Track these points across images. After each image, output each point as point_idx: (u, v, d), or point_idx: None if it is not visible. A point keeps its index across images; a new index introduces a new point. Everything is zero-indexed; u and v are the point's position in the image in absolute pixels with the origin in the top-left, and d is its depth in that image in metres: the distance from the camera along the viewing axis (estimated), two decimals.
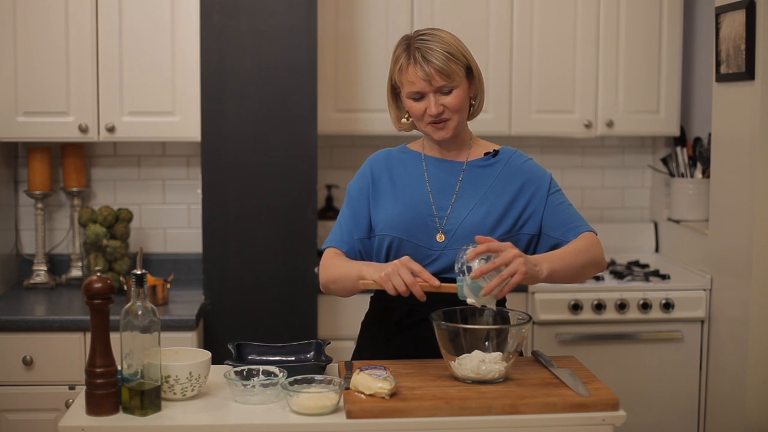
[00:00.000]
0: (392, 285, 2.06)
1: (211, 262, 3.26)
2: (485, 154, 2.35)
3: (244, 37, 3.20)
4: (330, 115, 3.60)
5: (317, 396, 1.91)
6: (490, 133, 3.69)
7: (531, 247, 2.31)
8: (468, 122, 2.37)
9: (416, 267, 2.09)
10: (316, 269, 3.29)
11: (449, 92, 2.23)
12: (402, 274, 2.06)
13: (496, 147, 2.38)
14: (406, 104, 2.28)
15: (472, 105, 2.34)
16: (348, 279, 2.21)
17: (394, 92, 2.33)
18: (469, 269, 2.05)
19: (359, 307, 2.53)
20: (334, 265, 2.28)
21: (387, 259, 2.29)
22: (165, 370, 1.96)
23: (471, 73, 2.29)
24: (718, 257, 3.36)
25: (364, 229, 2.33)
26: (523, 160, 2.37)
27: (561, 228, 2.29)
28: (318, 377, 1.99)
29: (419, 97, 2.24)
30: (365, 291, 2.31)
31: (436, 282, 2.08)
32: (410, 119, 2.33)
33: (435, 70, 2.20)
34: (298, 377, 1.98)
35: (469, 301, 2.06)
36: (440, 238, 2.26)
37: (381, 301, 2.37)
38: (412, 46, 2.24)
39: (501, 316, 2.16)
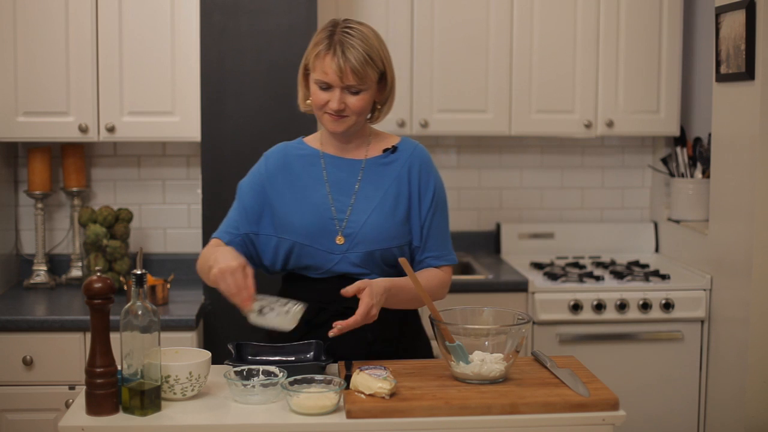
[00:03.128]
0: (222, 287, 2.08)
1: None
2: (384, 150, 2.34)
3: (244, 37, 3.20)
4: None
5: (317, 396, 1.91)
6: (490, 133, 3.70)
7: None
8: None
9: (240, 280, 2.06)
10: None
11: (356, 93, 2.22)
12: (228, 281, 2.06)
13: (395, 142, 2.36)
14: (312, 89, 2.26)
15: (378, 109, 2.33)
16: (207, 267, 2.19)
17: (306, 72, 2.30)
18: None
19: None
20: (206, 253, 2.28)
21: (285, 262, 2.29)
22: (165, 370, 1.96)
23: (384, 78, 2.28)
24: (718, 257, 3.36)
25: (254, 223, 2.30)
26: (422, 158, 2.34)
27: (431, 251, 2.32)
28: (318, 377, 1.99)
29: (326, 87, 2.22)
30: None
31: (249, 304, 2.08)
32: None
33: (350, 69, 2.18)
34: (298, 377, 1.98)
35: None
36: (339, 240, 2.25)
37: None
38: (335, 35, 2.21)
39: (501, 316, 2.17)
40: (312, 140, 2.39)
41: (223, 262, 2.07)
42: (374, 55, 2.21)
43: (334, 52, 2.19)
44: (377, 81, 2.26)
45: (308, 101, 2.32)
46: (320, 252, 2.25)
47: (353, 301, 2.15)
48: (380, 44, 2.25)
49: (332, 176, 2.31)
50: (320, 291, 2.27)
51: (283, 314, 2.09)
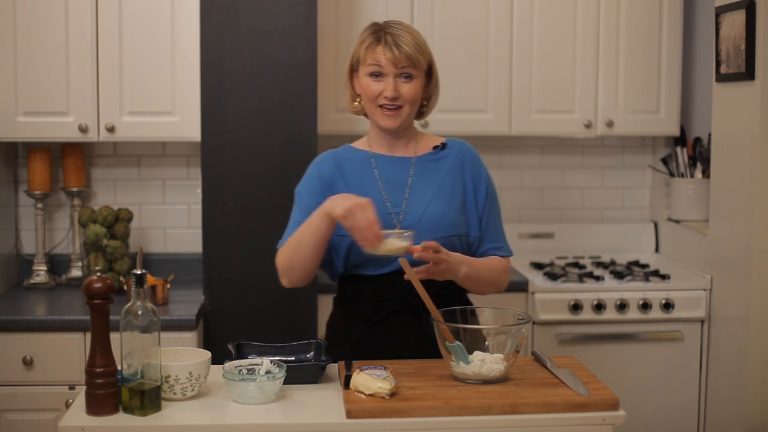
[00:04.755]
0: (354, 221, 2.07)
1: (211, 262, 3.26)
2: (434, 147, 2.38)
3: (244, 37, 3.20)
4: (330, 115, 3.60)
5: (393, 240, 2.07)
6: (490, 133, 3.70)
7: None
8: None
9: (371, 215, 2.07)
10: None
11: (408, 79, 2.27)
12: (358, 216, 2.06)
13: (443, 140, 2.41)
14: (363, 82, 2.30)
15: (424, 105, 2.39)
16: (308, 229, 2.19)
17: (353, 72, 2.35)
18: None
19: None
20: (290, 243, 2.26)
21: (347, 258, 2.30)
22: (165, 370, 1.96)
23: (430, 73, 2.34)
24: (718, 257, 3.36)
25: None
26: (472, 154, 2.41)
27: (491, 242, 2.38)
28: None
29: (378, 75, 2.27)
30: (328, 290, 2.29)
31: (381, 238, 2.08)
32: (362, 103, 2.35)
33: (403, 54, 2.24)
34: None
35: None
36: None
37: (347, 300, 2.38)
38: (382, 30, 2.29)
39: (501, 316, 2.17)
40: (360, 144, 2.43)
41: (347, 201, 2.07)
42: (421, 45, 2.29)
43: (386, 42, 2.26)
44: (425, 72, 2.31)
45: (356, 102, 2.37)
46: None
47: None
48: (424, 40, 2.32)
49: (384, 174, 2.34)
50: (377, 289, 2.30)
51: (402, 239, 2.10)
